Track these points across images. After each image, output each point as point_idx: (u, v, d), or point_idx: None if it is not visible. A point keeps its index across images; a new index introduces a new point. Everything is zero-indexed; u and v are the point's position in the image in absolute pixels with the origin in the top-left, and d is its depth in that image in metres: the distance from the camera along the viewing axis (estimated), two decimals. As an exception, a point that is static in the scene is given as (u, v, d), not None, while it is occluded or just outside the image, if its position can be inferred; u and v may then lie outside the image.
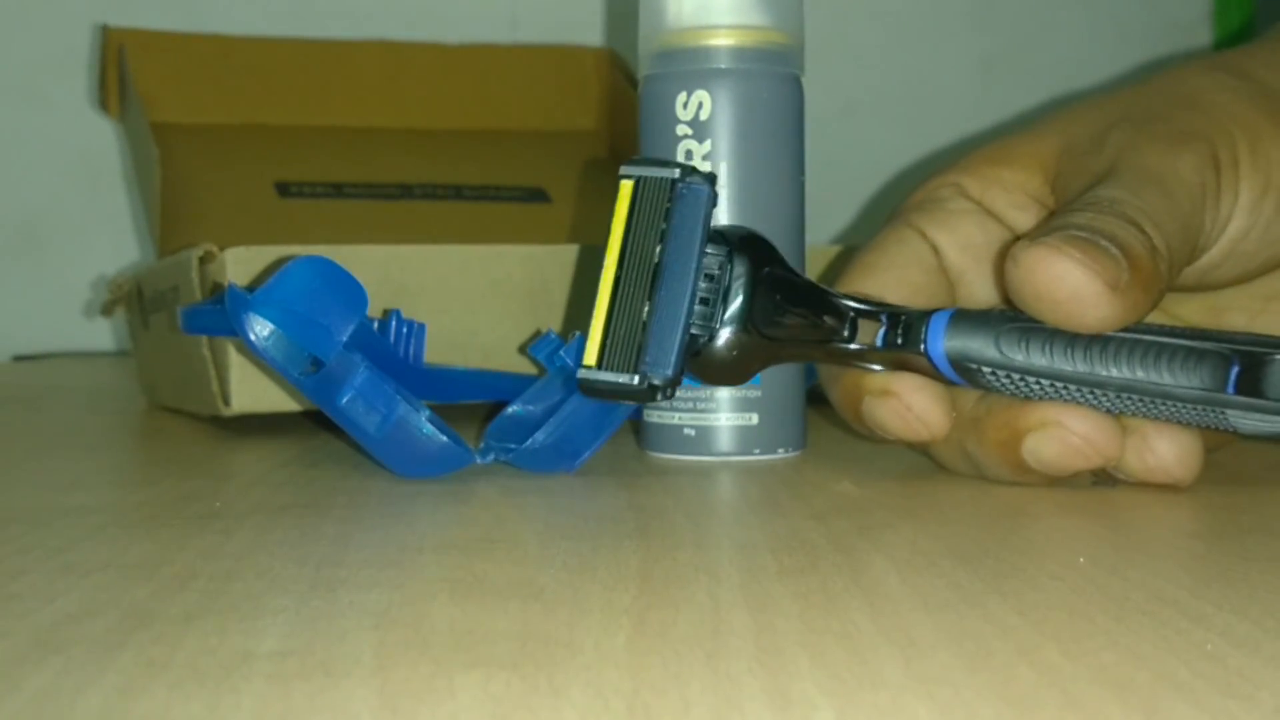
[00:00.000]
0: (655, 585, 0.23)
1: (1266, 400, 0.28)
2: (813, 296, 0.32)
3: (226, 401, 0.42)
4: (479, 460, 0.33)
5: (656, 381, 0.30)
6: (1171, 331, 0.29)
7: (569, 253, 0.44)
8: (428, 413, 0.33)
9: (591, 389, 0.31)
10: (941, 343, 0.30)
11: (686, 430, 0.36)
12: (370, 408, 0.32)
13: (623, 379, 0.30)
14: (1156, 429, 0.30)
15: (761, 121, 0.36)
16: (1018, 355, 0.30)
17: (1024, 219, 0.34)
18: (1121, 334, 0.29)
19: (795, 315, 0.32)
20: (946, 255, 0.34)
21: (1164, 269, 0.29)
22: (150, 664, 0.19)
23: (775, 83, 0.36)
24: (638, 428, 0.38)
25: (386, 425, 0.32)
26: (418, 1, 0.85)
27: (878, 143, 0.90)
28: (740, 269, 0.32)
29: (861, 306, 0.31)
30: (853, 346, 0.31)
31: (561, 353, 0.34)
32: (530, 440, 0.33)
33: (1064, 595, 0.22)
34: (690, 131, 0.36)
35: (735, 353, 0.32)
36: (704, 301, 0.31)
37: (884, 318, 0.31)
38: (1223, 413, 0.28)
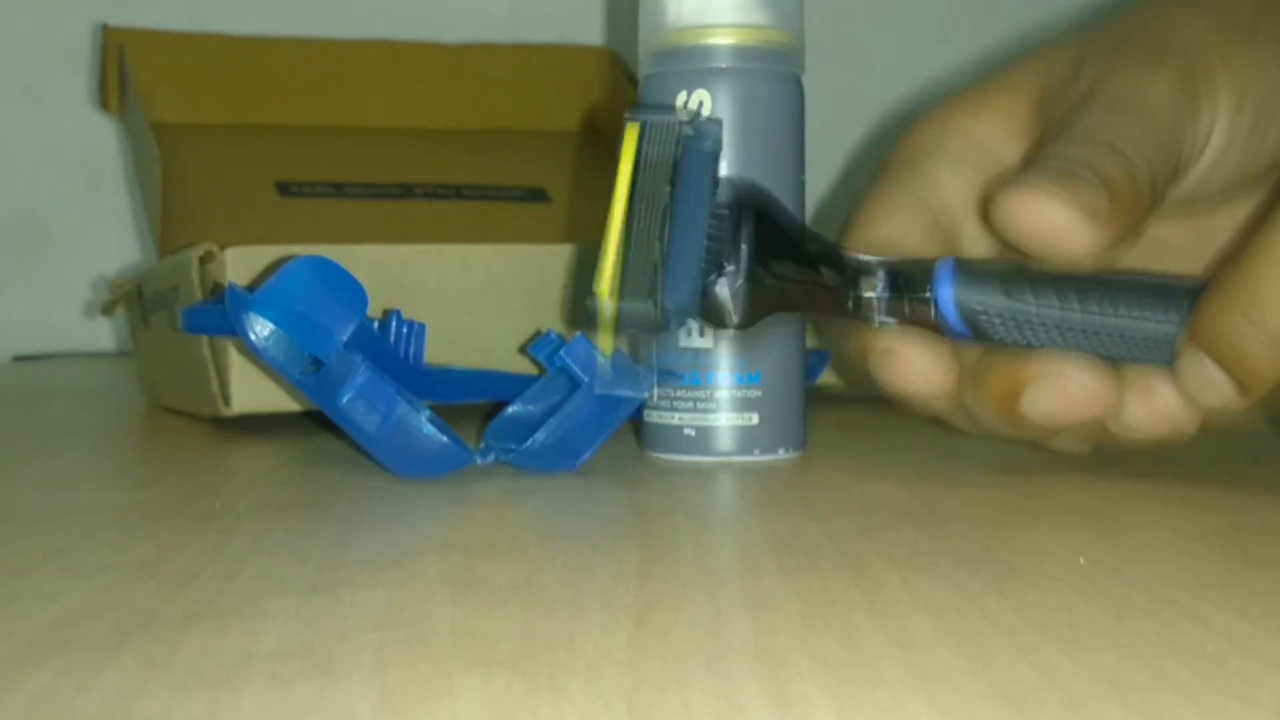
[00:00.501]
0: (655, 585, 0.23)
1: None
2: (817, 245, 0.32)
3: (227, 401, 0.42)
4: (479, 460, 0.33)
5: (670, 308, 0.30)
6: (1178, 277, 0.30)
7: (569, 252, 0.44)
8: (428, 413, 0.33)
9: (602, 319, 0.30)
10: (950, 289, 0.30)
11: (687, 430, 0.36)
12: (370, 408, 0.32)
13: (638, 306, 0.30)
14: (1159, 377, 0.31)
15: (762, 120, 0.36)
16: (1027, 298, 0.30)
17: (1017, 151, 0.34)
18: (1125, 274, 0.30)
19: (800, 263, 0.32)
20: (947, 200, 0.34)
21: (1145, 188, 0.30)
22: (150, 664, 0.19)
23: (775, 82, 0.36)
24: (638, 428, 0.38)
25: (386, 425, 0.32)
26: (418, 1, 0.85)
27: (878, 143, 0.90)
28: (747, 215, 0.32)
29: (865, 258, 0.32)
30: (862, 295, 0.31)
31: (562, 353, 0.34)
32: (530, 440, 0.33)
33: (1064, 596, 0.22)
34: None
35: (741, 294, 0.31)
36: (711, 241, 0.31)
37: (885, 271, 0.31)
38: None
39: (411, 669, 0.18)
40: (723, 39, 0.36)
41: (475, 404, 0.41)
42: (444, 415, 0.34)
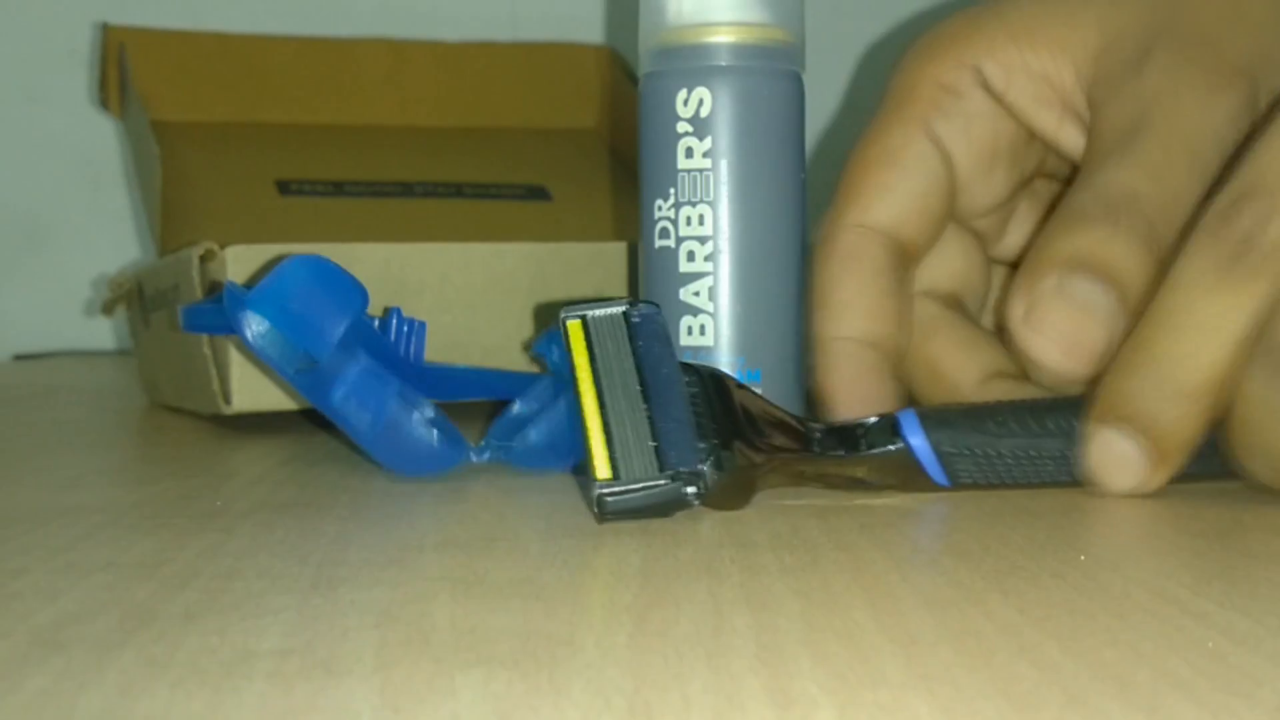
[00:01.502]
0: (656, 583, 0.23)
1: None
2: (782, 417, 0.31)
3: (227, 400, 0.42)
4: (473, 458, 0.33)
5: (688, 471, 0.27)
6: None
7: (570, 251, 0.44)
8: (430, 409, 0.33)
9: (617, 507, 0.27)
10: (920, 435, 0.30)
11: (687, 428, 0.36)
12: (362, 406, 0.32)
13: (652, 482, 0.27)
14: None
15: (762, 119, 0.36)
16: (989, 428, 0.30)
17: (1048, 119, 0.33)
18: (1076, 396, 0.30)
19: (773, 432, 0.31)
20: (959, 164, 0.33)
21: (1162, 270, 0.29)
22: (151, 663, 0.19)
23: (776, 80, 0.36)
24: (638, 426, 0.38)
25: (378, 424, 0.32)
26: (418, 1, 0.85)
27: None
28: (716, 390, 0.30)
29: (824, 425, 0.31)
30: (836, 454, 0.31)
31: (554, 352, 0.34)
32: (519, 438, 0.33)
33: (1065, 593, 0.22)
34: (691, 129, 0.35)
35: (735, 472, 0.29)
36: (695, 411, 0.29)
37: (847, 431, 0.31)
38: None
39: (412, 667, 0.18)
40: (723, 37, 0.36)
41: (481, 402, 0.41)
42: (447, 413, 0.34)
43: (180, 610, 0.21)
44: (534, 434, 0.33)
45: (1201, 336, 0.27)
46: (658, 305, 0.31)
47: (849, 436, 0.31)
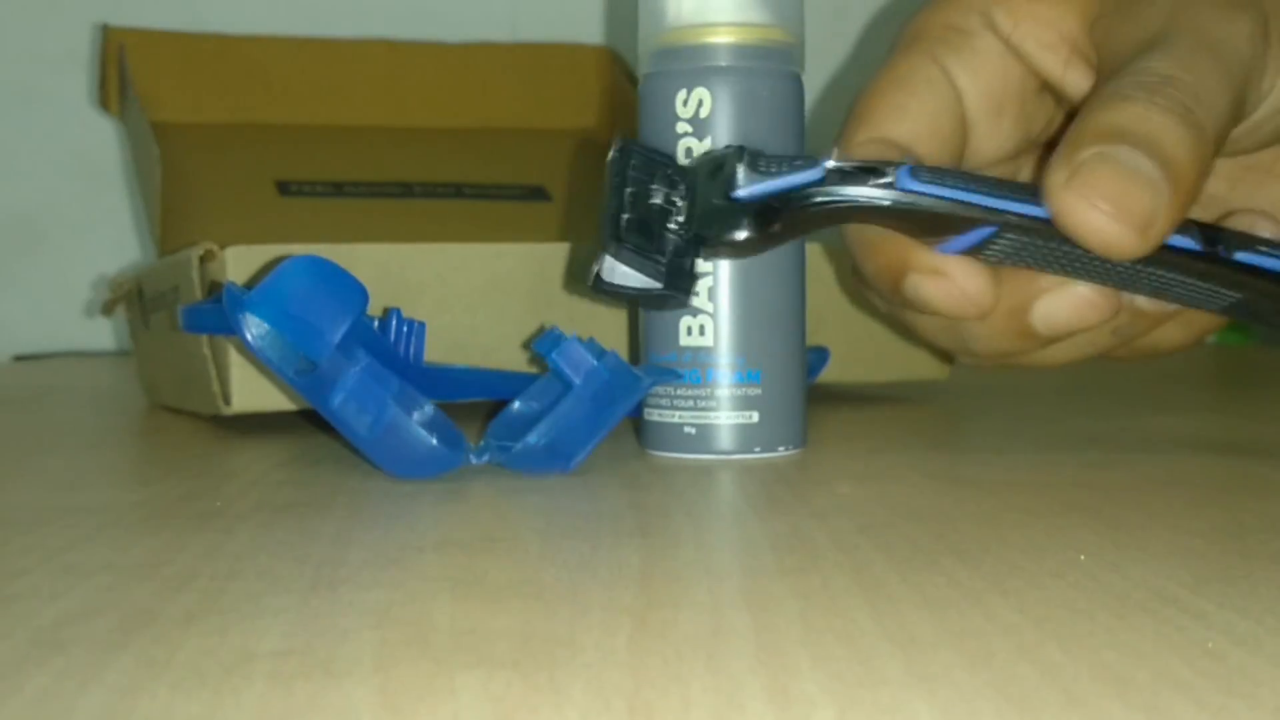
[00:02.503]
0: (656, 584, 0.23)
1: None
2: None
3: (227, 401, 0.42)
4: (473, 460, 0.33)
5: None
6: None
7: (569, 251, 0.44)
8: (431, 410, 0.33)
9: (610, 289, 0.32)
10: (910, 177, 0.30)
11: (687, 429, 0.36)
12: (361, 409, 0.32)
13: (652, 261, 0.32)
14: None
15: (762, 119, 0.36)
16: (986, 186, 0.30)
17: (1054, 62, 0.33)
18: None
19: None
20: (967, 100, 0.33)
21: (1211, 151, 0.29)
22: (151, 664, 0.19)
23: (775, 80, 0.36)
24: (638, 426, 0.38)
25: (377, 427, 0.32)
26: (418, 1, 0.85)
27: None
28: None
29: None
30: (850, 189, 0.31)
31: (554, 354, 0.34)
32: (522, 442, 0.33)
33: (1065, 593, 0.22)
34: (690, 129, 0.35)
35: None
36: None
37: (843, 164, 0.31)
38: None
39: (412, 668, 0.18)
40: (722, 38, 0.36)
41: (479, 402, 0.41)
42: (447, 414, 0.34)
43: (180, 611, 0.21)
44: (534, 438, 0.33)
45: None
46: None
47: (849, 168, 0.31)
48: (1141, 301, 0.33)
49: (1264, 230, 0.32)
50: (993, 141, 0.34)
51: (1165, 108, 0.29)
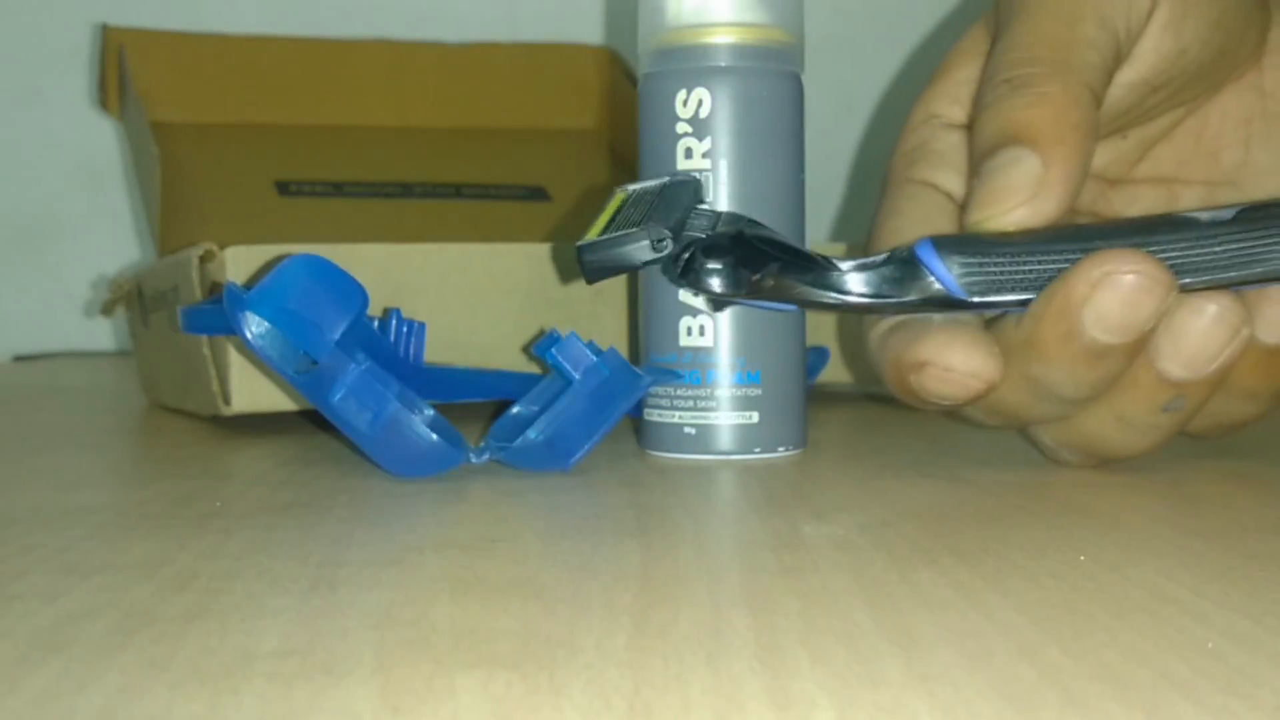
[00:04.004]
0: (656, 584, 0.23)
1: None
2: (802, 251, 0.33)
3: (227, 401, 0.42)
4: (472, 459, 0.33)
5: (654, 233, 0.32)
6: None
7: (570, 251, 0.44)
8: (430, 411, 0.33)
9: (593, 259, 0.32)
10: (932, 254, 0.31)
11: (687, 429, 0.36)
12: (362, 406, 0.32)
13: (627, 234, 0.32)
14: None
15: (761, 119, 0.36)
16: (1006, 245, 0.31)
17: None
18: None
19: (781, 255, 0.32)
20: (957, 194, 0.34)
21: (1069, 95, 0.31)
22: (151, 664, 0.19)
23: (775, 80, 0.36)
24: (638, 426, 0.38)
25: (378, 424, 0.32)
26: (418, 1, 0.85)
27: (878, 142, 0.90)
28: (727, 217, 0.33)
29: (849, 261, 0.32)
30: (853, 291, 0.31)
31: (553, 350, 0.34)
32: (521, 438, 0.33)
33: (1065, 593, 0.22)
34: (690, 129, 0.35)
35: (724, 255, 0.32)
36: (694, 214, 0.33)
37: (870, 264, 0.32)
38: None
39: (412, 669, 0.18)
40: (722, 38, 0.36)
41: (480, 403, 0.41)
42: (447, 414, 0.34)
43: (180, 611, 0.21)
44: (533, 433, 0.33)
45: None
46: (699, 180, 0.34)
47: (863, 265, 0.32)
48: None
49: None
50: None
51: (1002, 95, 0.31)
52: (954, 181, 0.34)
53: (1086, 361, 0.29)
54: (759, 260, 0.32)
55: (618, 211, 0.34)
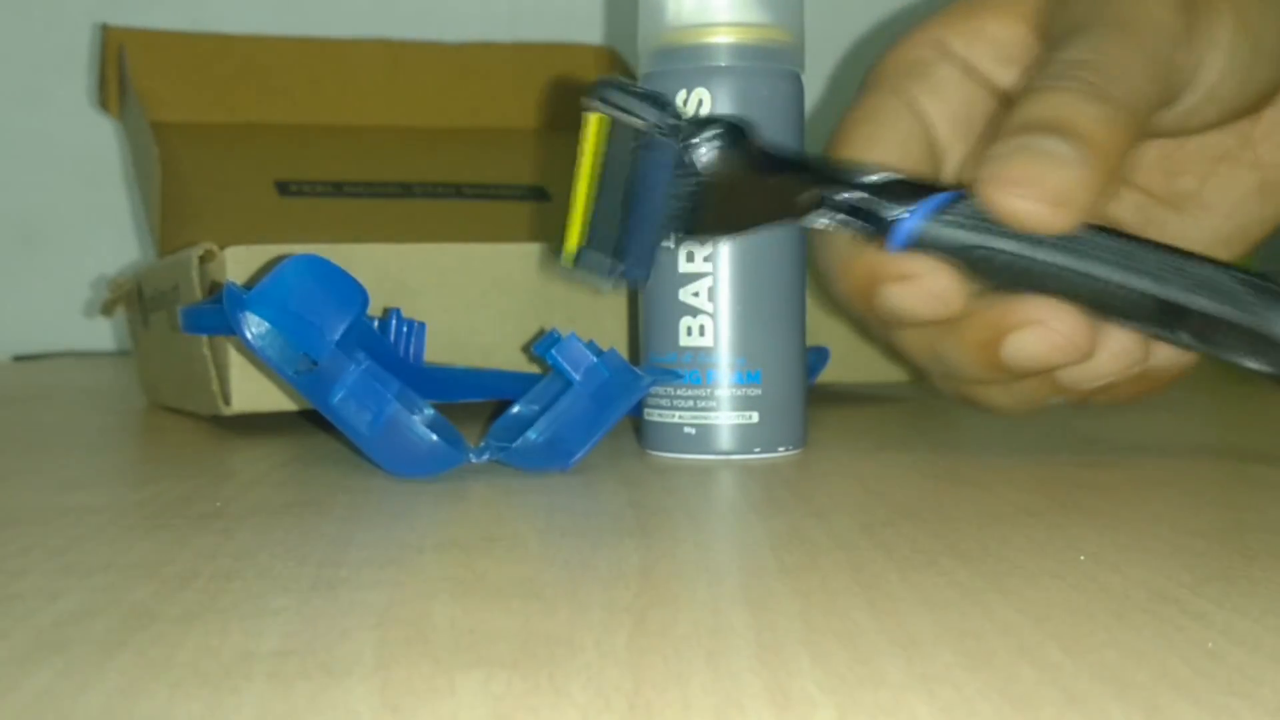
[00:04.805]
0: (656, 583, 0.23)
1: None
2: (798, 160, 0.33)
3: (227, 401, 0.42)
4: (472, 459, 0.33)
5: (627, 276, 0.33)
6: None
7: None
8: (430, 411, 0.33)
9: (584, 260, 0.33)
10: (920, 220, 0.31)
11: (687, 429, 0.36)
12: (361, 406, 0.32)
13: (599, 258, 0.33)
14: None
15: (761, 119, 0.36)
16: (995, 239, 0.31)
17: (1010, 76, 0.34)
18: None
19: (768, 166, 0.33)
20: (936, 129, 0.34)
21: (1128, 128, 0.30)
22: (151, 664, 0.19)
23: (775, 80, 0.36)
24: (638, 426, 0.38)
25: (377, 424, 0.32)
26: (418, 1, 0.85)
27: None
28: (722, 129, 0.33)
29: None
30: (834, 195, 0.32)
31: (554, 350, 0.34)
32: (521, 439, 0.33)
33: (1065, 593, 0.22)
34: (690, 130, 0.35)
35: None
36: (669, 218, 0.33)
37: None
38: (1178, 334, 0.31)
39: (412, 668, 0.18)
40: (722, 37, 0.36)
41: (480, 404, 0.41)
42: (447, 414, 0.34)
43: (180, 611, 0.21)
44: (534, 434, 0.33)
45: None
46: (682, 127, 0.32)
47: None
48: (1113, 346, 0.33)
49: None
50: (969, 165, 0.35)
51: (1074, 90, 0.30)
52: (937, 112, 0.34)
53: (990, 368, 0.32)
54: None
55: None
